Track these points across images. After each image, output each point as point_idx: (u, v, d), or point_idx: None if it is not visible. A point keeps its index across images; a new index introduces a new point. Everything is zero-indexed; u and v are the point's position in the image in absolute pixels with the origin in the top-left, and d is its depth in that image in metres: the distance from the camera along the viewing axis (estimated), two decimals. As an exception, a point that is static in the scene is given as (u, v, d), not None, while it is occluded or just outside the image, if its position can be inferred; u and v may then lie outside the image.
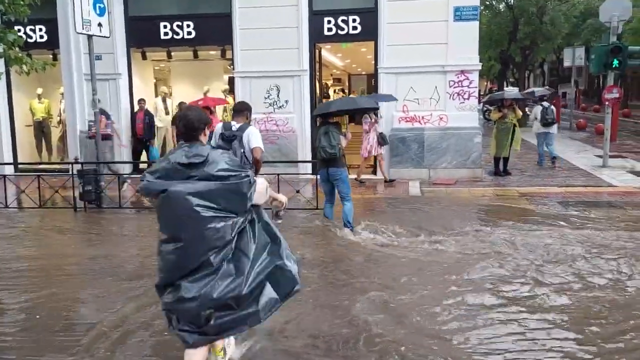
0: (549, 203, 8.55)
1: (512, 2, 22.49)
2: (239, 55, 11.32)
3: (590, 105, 34.27)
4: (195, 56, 12.33)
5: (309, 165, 10.73)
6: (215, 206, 2.77)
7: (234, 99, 11.81)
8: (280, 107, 11.29)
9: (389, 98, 10.08)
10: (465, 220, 7.52)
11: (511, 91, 14.95)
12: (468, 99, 10.80)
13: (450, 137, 10.78)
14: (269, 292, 2.90)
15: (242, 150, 5.06)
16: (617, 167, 11.76)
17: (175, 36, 11.65)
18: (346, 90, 22.70)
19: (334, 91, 20.43)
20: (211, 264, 2.78)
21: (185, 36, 11.62)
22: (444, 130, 10.78)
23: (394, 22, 10.71)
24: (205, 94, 12.59)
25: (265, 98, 11.21)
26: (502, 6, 23.54)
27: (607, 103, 11.94)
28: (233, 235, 2.83)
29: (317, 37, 11.26)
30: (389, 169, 10.85)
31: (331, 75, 21.86)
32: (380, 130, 10.41)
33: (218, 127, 5.38)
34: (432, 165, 10.81)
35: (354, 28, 11.10)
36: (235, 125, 5.20)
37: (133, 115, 11.76)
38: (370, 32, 10.99)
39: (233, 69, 11.64)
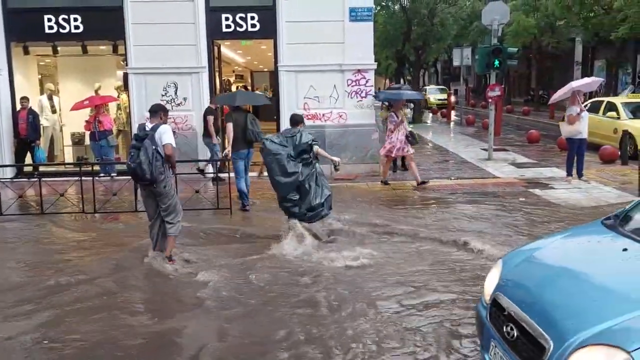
0: (440, 194, 9.16)
1: (405, 3, 23.48)
2: (133, 51, 10.86)
3: (479, 101, 36.75)
4: (85, 51, 11.60)
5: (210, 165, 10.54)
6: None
7: (129, 96, 11.31)
8: (178, 104, 10.99)
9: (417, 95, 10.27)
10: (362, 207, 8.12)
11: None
12: (365, 97, 11.18)
13: (350, 134, 11.10)
14: (323, 208, 6.44)
15: (154, 147, 5.37)
16: (500, 159, 12.75)
17: (61, 30, 10.94)
18: (249, 87, 22.58)
19: (237, 87, 20.22)
20: (307, 189, 6.35)
21: (73, 30, 10.95)
22: (343, 128, 11.08)
23: (292, 20, 10.81)
24: (96, 91, 11.88)
25: (163, 95, 10.85)
26: (397, 7, 24.55)
27: (490, 100, 12.90)
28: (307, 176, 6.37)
29: (215, 33, 11.08)
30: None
31: (233, 71, 21.54)
32: (410, 129, 10.07)
33: (134, 129, 5.68)
34: (333, 162, 11.04)
35: (253, 25, 11.05)
36: (148, 126, 5.52)
37: (15, 114, 10.89)
38: (269, 30, 11.01)
39: (126, 65, 11.13)
